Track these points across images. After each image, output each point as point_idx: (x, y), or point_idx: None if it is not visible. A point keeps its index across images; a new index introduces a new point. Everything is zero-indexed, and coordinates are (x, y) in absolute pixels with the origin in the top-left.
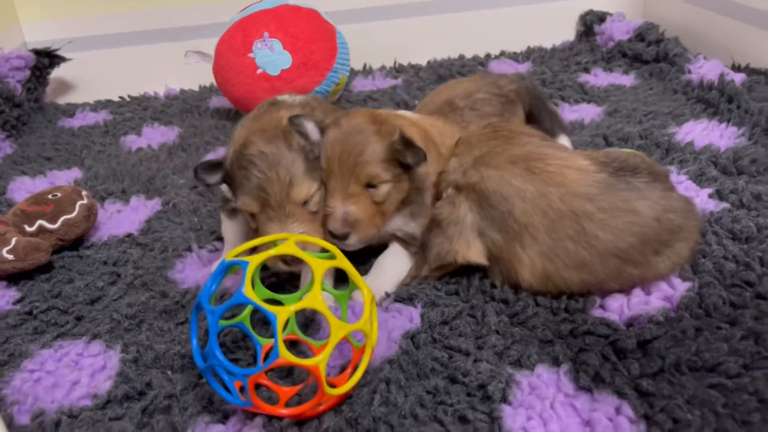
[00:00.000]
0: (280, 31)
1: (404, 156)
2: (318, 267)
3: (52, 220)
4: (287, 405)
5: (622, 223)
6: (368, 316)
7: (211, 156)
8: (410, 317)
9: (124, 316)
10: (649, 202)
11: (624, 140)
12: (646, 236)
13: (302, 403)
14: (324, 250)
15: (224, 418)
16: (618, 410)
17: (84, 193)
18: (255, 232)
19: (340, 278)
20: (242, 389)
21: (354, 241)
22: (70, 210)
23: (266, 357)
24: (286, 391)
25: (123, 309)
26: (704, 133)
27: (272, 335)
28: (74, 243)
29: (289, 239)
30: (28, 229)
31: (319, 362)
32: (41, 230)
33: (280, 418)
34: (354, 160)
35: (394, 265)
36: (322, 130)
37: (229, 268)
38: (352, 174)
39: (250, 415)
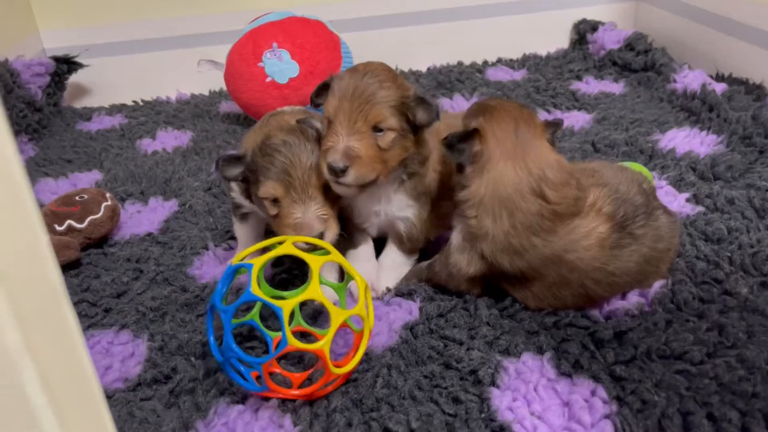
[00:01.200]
0: (288, 41)
1: (416, 112)
2: (315, 262)
3: (80, 220)
4: (300, 388)
5: (621, 272)
6: (363, 302)
7: None
8: (410, 310)
9: (148, 309)
10: (645, 245)
11: (611, 146)
12: (640, 271)
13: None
14: (319, 248)
15: (243, 399)
16: (593, 393)
17: (108, 195)
18: (275, 218)
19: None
20: (258, 378)
21: (351, 178)
22: (96, 211)
23: (277, 346)
24: (298, 376)
25: (147, 302)
26: (686, 140)
27: (279, 328)
28: (99, 241)
29: (287, 240)
30: (58, 228)
31: (322, 345)
32: (70, 229)
33: (293, 399)
34: (366, 98)
35: (393, 265)
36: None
37: (236, 271)
38: (361, 112)
39: (266, 397)
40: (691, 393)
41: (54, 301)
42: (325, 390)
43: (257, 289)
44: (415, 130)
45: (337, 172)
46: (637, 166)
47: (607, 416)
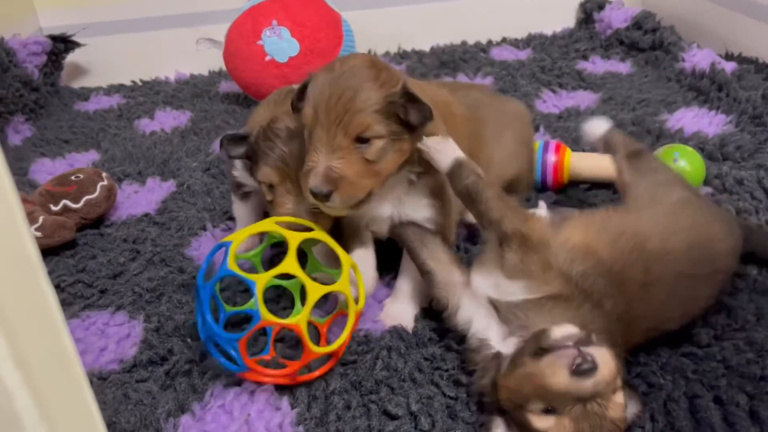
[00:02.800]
0: (288, 19)
1: (406, 111)
2: (293, 238)
3: (76, 200)
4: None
5: None
6: (347, 278)
7: None
8: None
9: (145, 290)
10: None
11: (618, 126)
12: None
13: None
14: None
15: (239, 382)
16: None
17: (104, 174)
18: (269, 204)
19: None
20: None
21: (336, 203)
22: (92, 190)
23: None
24: (295, 364)
25: (144, 283)
26: (694, 120)
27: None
28: (96, 222)
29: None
30: (53, 208)
31: (298, 320)
32: (66, 209)
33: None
34: (344, 107)
35: (414, 288)
36: None
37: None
38: (340, 123)
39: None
40: (698, 376)
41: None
42: (311, 374)
43: (233, 265)
44: (411, 127)
45: (320, 197)
46: (688, 151)
47: None
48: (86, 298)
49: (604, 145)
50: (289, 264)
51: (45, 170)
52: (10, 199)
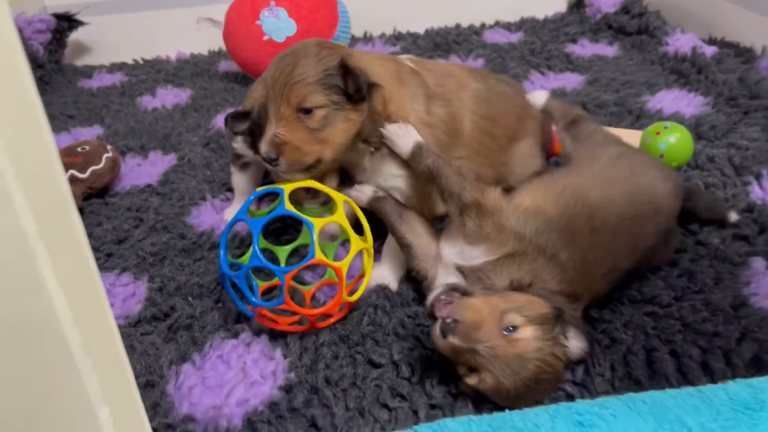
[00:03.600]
0: (286, 0)
1: (345, 82)
2: (337, 197)
3: (82, 170)
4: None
5: None
6: (341, 212)
7: (221, 117)
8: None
9: (148, 254)
10: None
11: (600, 107)
12: None
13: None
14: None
15: (236, 335)
16: None
17: (109, 147)
18: (269, 176)
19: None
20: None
21: (282, 166)
22: (97, 161)
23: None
24: (328, 306)
25: (147, 248)
26: (674, 101)
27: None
28: (101, 192)
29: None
30: None
31: (342, 265)
32: (73, 179)
33: (283, 334)
34: (284, 81)
35: (397, 254)
36: None
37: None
38: (282, 96)
39: (257, 332)
40: (657, 332)
41: (62, 202)
42: (329, 321)
43: (290, 206)
44: (358, 99)
45: (270, 162)
46: (678, 127)
47: None
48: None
49: (546, 115)
50: (340, 216)
51: None
52: (51, 152)
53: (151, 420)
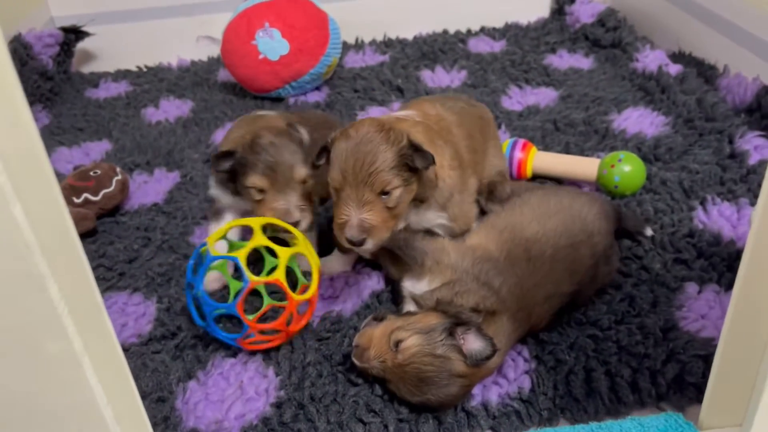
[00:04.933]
0: (279, 21)
1: (413, 161)
2: (283, 253)
3: (95, 194)
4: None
5: None
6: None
7: (220, 131)
8: (377, 280)
9: (156, 274)
10: None
11: (570, 125)
12: None
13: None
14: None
15: (235, 354)
16: (519, 353)
17: (118, 169)
18: (258, 203)
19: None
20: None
21: (370, 246)
22: (108, 185)
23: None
24: (282, 316)
25: (155, 268)
26: (638, 120)
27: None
28: (112, 211)
29: (257, 227)
30: (76, 201)
31: (278, 275)
32: (87, 201)
33: (276, 353)
34: (368, 171)
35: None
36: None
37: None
38: (366, 183)
39: (253, 351)
40: (596, 354)
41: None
42: (300, 324)
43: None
44: (416, 169)
45: (356, 244)
46: (631, 156)
47: (526, 372)
48: (108, 281)
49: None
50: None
51: (64, 159)
52: (61, 205)
53: None
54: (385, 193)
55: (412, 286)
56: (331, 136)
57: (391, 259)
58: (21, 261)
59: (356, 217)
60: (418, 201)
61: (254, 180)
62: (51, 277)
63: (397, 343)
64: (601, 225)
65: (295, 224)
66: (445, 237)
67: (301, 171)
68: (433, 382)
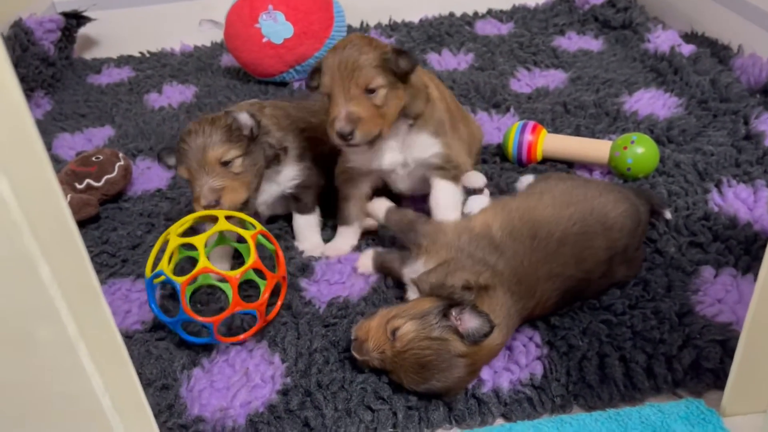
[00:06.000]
0: (283, 4)
1: (397, 63)
2: (198, 241)
3: (97, 179)
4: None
5: None
6: (254, 256)
7: None
8: None
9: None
10: None
11: (580, 108)
12: None
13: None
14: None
15: (238, 342)
16: (531, 338)
17: (121, 155)
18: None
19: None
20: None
21: (358, 138)
22: (110, 170)
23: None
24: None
25: (158, 254)
26: (650, 101)
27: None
28: (115, 197)
29: (172, 233)
30: (78, 186)
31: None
32: (89, 187)
33: (282, 340)
34: (351, 67)
35: (449, 199)
36: (253, 117)
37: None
38: (351, 79)
39: (259, 337)
40: (610, 339)
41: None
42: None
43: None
44: (403, 78)
45: (346, 137)
46: (644, 138)
47: (538, 358)
48: (111, 267)
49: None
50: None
51: (66, 145)
52: (53, 183)
53: (166, 421)
54: (370, 91)
55: (411, 271)
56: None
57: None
58: (8, 241)
59: (344, 109)
60: (412, 118)
61: (180, 172)
62: (42, 258)
63: (394, 332)
64: (624, 223)
65: (213, 206)
66: (442, 173)
67: (216, 151)
68: (434, 366)
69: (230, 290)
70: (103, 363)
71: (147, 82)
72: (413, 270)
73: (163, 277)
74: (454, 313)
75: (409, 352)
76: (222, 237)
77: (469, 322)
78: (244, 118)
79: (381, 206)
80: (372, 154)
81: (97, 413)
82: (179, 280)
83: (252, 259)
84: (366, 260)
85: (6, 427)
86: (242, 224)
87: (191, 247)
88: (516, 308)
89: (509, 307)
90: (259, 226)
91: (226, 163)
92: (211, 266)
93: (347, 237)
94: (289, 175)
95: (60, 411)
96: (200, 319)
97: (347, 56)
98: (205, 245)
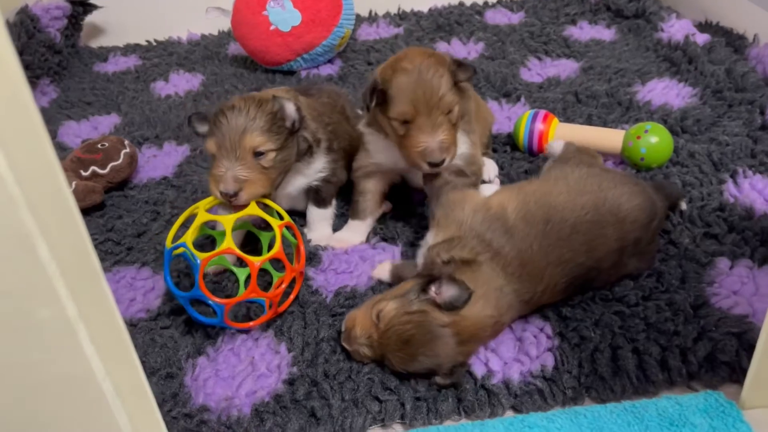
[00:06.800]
0: None
1: (458, 75)
2: (227, 222)
3: (103, 166)
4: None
5: None
6: (279, 246)
7: None
8: (393, 254)
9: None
10: None
11: (592, 97)
12: None
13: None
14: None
15: (246, 330)
16: (541, 329)
17: (126, 142)
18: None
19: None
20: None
21: (447, 159)
22: (116, 158)
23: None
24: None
25: (164, 242)
26: (664, 91)
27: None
28: (120, 184)
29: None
30: (83, 174)
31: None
32: (94, 174)
33: (288, 330)
34: (438, 96)
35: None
36: (299, 111)
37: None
38: (438, 107)
39: (265, 327)
40: (623, 331)
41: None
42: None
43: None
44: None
45: (438, 165)
46: (658, 127)
47: (549, 349)
48: (116, 255)
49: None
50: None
51: (72, 132)
52: (52, 161)
53: (171, 410)
54: (450, 112)
55: (428, 237)
56: (374, 75)
57: None
58: (5, 217)
59: (435, 141)
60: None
61: (208, 143)
62: (40, 236)
63: (378, 315)
64: (637, 216)
65: (230, 195)
66: (463, 180)
67: (253, 138)
68: (417, 340)
69: (243, 276)
70: (104, 346)
71: (154, 70)
72: (428, 239)
73: (182, 249)
74: (433, 288)
75: (391, 330)
76: (245, 221)
77: (447, 291)
78: (291, 110)
79: (384, 268)
80: (398, 153)
81: (97, 397)
82: (201, 256)
83: (276, 248)
84: (383, 271)
85: (5, 409)
86: (269, 211)
87: (212, 226)
88: (512, 287)
89: (501, 285)
90: (286, 217)
91: (258, 154)
92: (236, 248)
93: (357, 231)
94: (317, 167)
95: (59, 394)
96: (214, 298)
97: (429, 83)
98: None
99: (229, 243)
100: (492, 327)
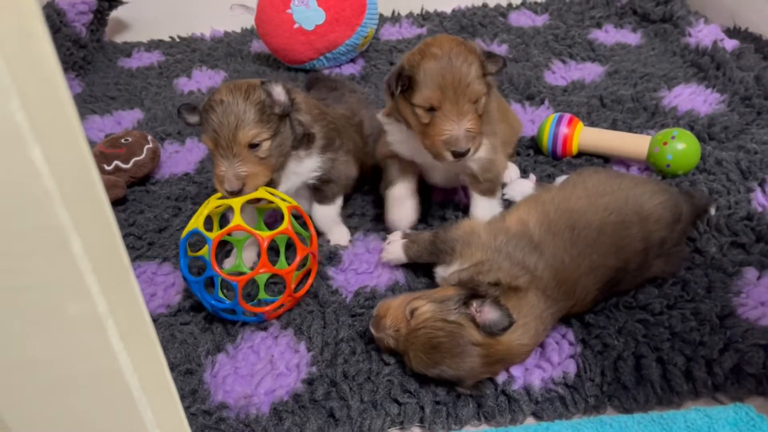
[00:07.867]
0: None
1: (487, 66)
2: (236, 203)
3: (126, 161)
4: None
5: None
6: (287, 224)
7: None
8: None
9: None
10: None
11: (617, 102)
12: None
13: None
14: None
15: (265, 327)
16: (564, 336)
17: (149, 137)
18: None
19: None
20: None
21: (472, 150)
22: (139, 153)
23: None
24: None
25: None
26: (690, 97)
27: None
28: (143, 179)
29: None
30: (106, 168)
31: (263, 236)
32: (117, 169)
33: (308, 329)
34: (466, 83)
35: (487, 215)
36: (288, 93)
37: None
38: (465, 95)
39: (285, 325)
40: (647, 339)
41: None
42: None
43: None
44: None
45: (464, 155)
46: (686, 134)
47: (571, 356)
48: (137, 249)
49: None
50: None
51: (96, 127)
52: (86, 156)
53: (189, 406)
54: (477, 101)
55: (443, 270)
56: (403, 61)
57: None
58: (40, 211)
59: (461, 129)
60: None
61: (204, 141)
62: (74, 231)
63: (413, 312)
64: (661, 214)
65: (236, 192)
66: (479, 186)
67: (246, 133)
68: (445, 349)
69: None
70: (132, 342)
71: (177, 66)
72: (445, 271)
73: (195, 233)
74: (475, 304)
75: (422, 330)
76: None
77: (488, 314)
78: (278, 93)
79: (396, 248)
80: (419, 146)
81: (124, 393)
82: (211, 236)
83: (285, 224)
84: (395, 250)
85: (34, 404)
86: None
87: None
88: (550, 311)
89: (542, 311)
90: (293, 202)
91: (254, 146)
92: (244, 224)
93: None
94: (311, 166)
95: (86, 389)
96: (227, 276)
97: (458, 70)
98: (241, 210)
99: (238, 220)
100: (524, 355)
